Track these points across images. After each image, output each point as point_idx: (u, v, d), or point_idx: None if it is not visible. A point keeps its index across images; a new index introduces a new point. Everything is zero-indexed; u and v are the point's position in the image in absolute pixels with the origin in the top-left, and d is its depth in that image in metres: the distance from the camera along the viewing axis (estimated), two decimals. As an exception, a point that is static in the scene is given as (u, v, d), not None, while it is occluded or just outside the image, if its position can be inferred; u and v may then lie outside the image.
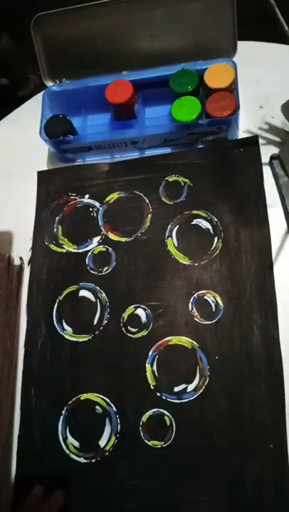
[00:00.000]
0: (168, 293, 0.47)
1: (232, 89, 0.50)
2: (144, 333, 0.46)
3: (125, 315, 0.47)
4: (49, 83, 0.57)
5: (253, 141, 0.51)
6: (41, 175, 0.57)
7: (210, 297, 0.45)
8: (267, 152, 0.50)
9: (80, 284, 0.49)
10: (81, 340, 0.47)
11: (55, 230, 0.53)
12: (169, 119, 0.53)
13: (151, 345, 0.45)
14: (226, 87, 0.49)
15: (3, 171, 0.59)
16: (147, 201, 0.52)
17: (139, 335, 0.46)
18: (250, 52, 0.54)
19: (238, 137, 0.52)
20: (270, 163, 0.50)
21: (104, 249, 0.51)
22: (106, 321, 0.47)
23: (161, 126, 0.53)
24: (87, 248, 0.51)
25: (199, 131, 0.50)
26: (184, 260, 0.48)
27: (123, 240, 0.50)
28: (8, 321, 0.49)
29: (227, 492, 0.39)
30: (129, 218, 0.51)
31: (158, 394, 0.43)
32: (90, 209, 0.53)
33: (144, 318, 0.46)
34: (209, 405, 0.42)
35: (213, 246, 0.47)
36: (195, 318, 0.45)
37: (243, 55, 0.51)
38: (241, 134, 0.53)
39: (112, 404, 0.44)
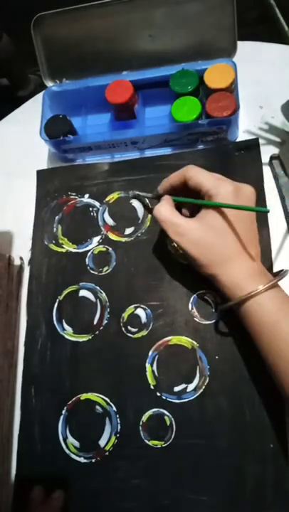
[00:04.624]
0: (168, 293, 0.47)
1: (232, 89, 0.50)
2: (144, 333, 0.46)
3: (125, 315, 0.47)
4: (49, 83, 0.57)
5: (253, 144, 0.51)
6: (40, 174, 0.57)
7: (210, 297, 0.45)
8: (267, 152, 0.50)
9: (80, 283, 0.49)
10: (81, 340, 0.47)
11: (54, 229, 0.53)
12: (169, 119, 0.53)
13: (151, 345, 0.45)
14: (226, 87, 0.49)
15: (3, 170, 0.59)
16: (147, 201, 0.52)
17: (139, 335, 0.46)
18: (250, 52, 0.54)
19: (238, 137, 0.52)
20: (270, 164, 0.50)
21: (104, 249, 0.51)
22: (106, 321, 0.47)
23: (161, 126, 0.53)
24: (87, 248, 0.51)
25: (199, 131, 0.50)
26: (184, 260, 0.48)
27: (123, 240, 0.50)
28: (8, 321, 0.49)
29: (227, 492, 0.39)
30: (130, 218, 0.51)
31: (158, 394, 0.43)
32: (90, 209, 0.53)
33: (144, 318, 0.46)
34: (209, 405, 0.42)
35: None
36: (195, 318, 0.45)
37: (243, 55, 0.51)
38: (241, 134, 0.53)
39: (112, 404, 0.44)
